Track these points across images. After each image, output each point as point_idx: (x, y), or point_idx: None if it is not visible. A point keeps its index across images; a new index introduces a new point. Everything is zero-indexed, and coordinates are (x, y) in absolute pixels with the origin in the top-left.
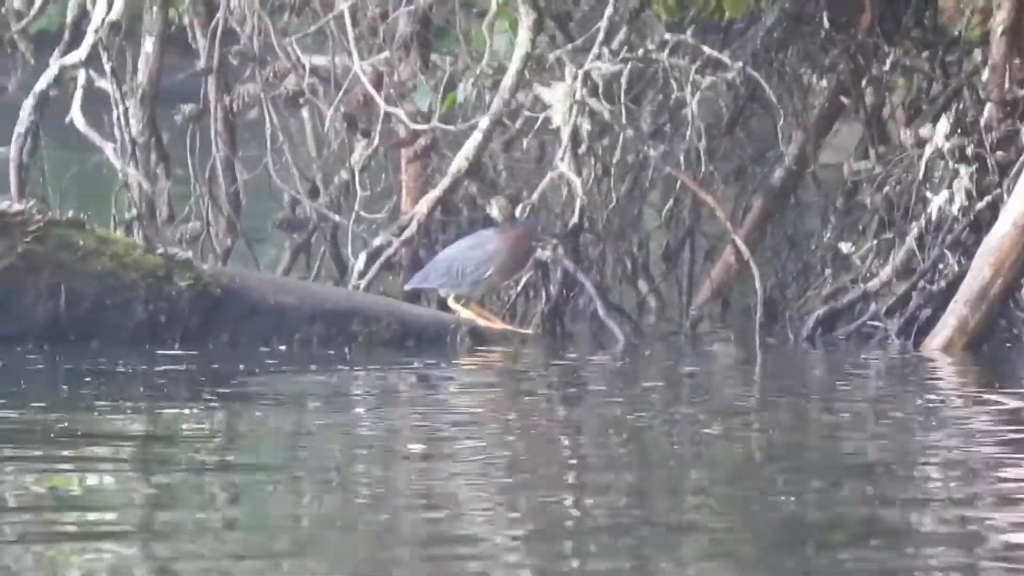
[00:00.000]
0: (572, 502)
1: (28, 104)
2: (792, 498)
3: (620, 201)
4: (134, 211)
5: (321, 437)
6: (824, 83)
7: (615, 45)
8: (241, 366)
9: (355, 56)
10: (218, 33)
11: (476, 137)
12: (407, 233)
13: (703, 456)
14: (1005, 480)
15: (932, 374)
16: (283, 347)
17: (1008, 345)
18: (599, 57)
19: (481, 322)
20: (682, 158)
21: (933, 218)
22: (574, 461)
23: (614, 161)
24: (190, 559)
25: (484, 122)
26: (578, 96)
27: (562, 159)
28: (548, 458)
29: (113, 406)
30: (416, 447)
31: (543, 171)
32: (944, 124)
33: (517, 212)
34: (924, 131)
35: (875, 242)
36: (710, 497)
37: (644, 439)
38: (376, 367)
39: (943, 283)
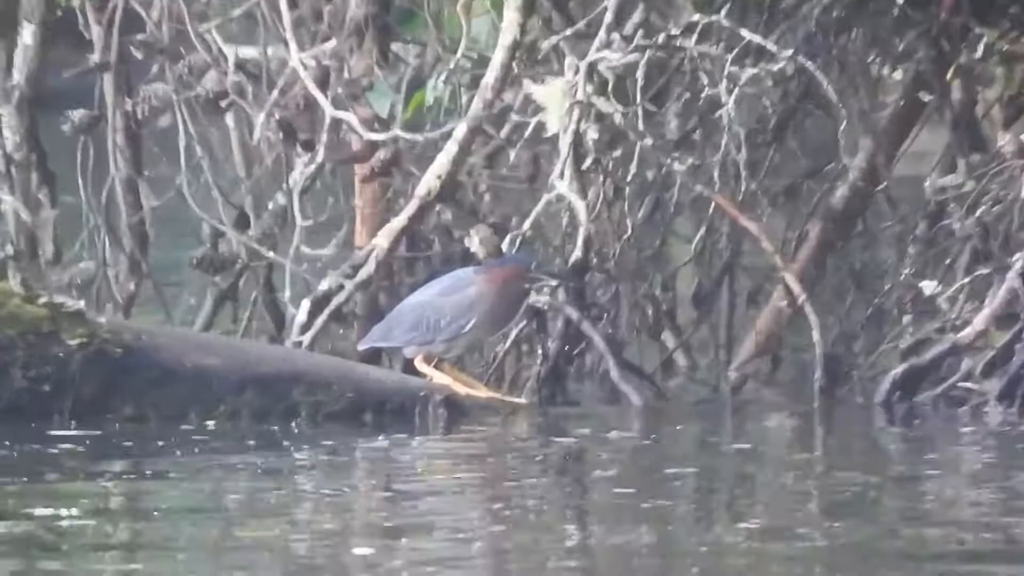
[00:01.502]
0: None
1: None
2: None
3: (637, 230)
4: (10, 248)
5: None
6: (898, 75)
7: (628, 29)
8: (150, 446)
9: (293, 47)
10: (116, 19)
11: (450, 149)
12: (362, 274)
13: None
14: None
15: None
16: (208, 422)
17: None
18: (607, 45)
19: (460, 389)
20: (716, 174)
21: None
22: None
23: (628, 179)
24: None
25: (460, 130)
26: (581, 95)
27: (561, 177)
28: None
29: None
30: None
31: (537, 193)
32: None
33: (504, 246)
34: None
35: (967, 280)
36: None
37: (666, 550)
38: (324, 445)
39: None
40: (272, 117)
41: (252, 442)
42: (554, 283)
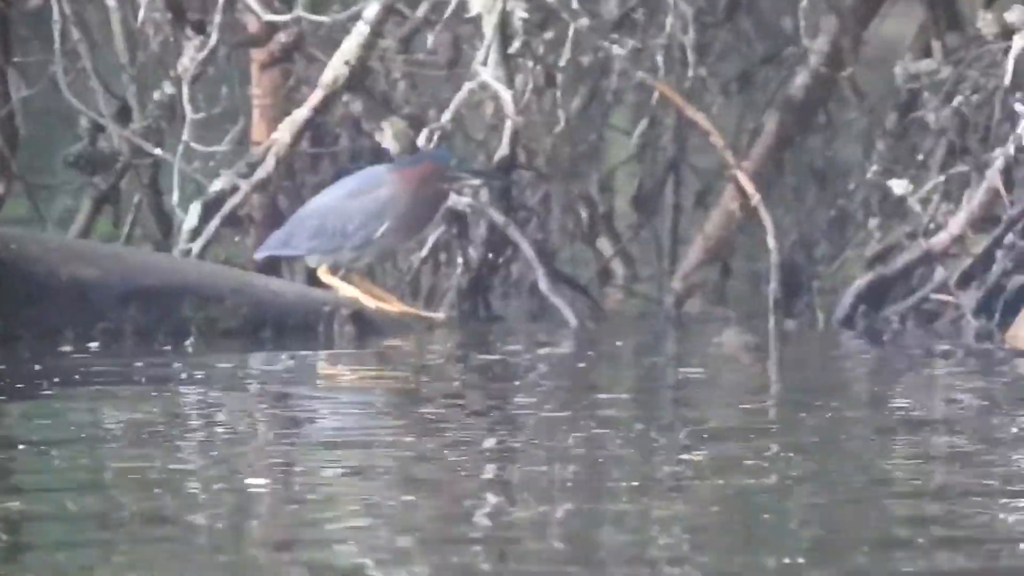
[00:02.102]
0: None
1: None
2: None
3: (570, 123)
4: None
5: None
6: None
7: None
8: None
9: None
10: None
11: (360, 31)
12: (260, 173)
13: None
14: None
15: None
16: (90, 342)
17: None
18: None
19: (370, 302)
20: (660, 59)
21: None
22: (486, 512)
23: (561, 64)
24: None
25: (371, 9)
26: None
27: (485, 62)
28: (452, 508)
29: None
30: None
31: (458, 80)
32: None
33: (420, 140)
34: (1012, 15)
35: (942, 178)
36: None
37: (588, 483)
38: (217, 366)
39: None
40: None
41: (138, 363)
42: (477, 183)
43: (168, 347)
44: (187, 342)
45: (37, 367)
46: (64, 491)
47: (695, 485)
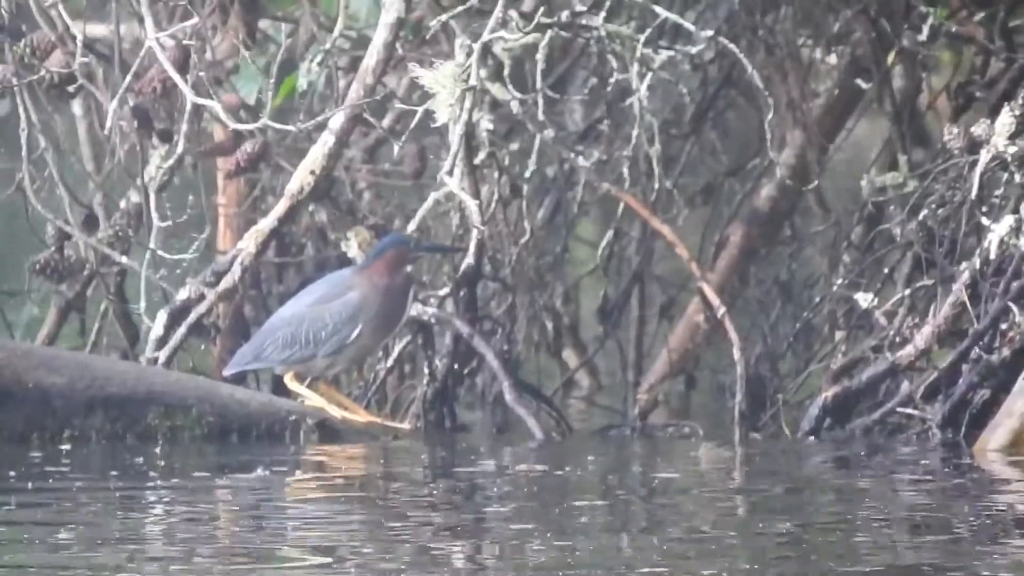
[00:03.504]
0: None
1: None
2: None
3: (536, 234)
4: None
5: None
6: (833, 59)
7: (527, 6)
8: None
9: (149, 24)
10: None
11: (326, 141)
12: (226, 282)
13: None
14: None
15: (995, 488)
16: (57, 446)
17: None
18: (504, 24)
19: (335, 412)
20: (626, 170)
21: (992, 256)
22: None
23: (527, 175)
24: None
25: (337, 119)
26: (474, 80)
27: (451, 172)
28: None
29: None
30: None
31: (424, 190)
32: (1007, 118)
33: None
34: (978, 129)
35: (907, 292)
36: None
37: None
38: (181, 474)
39: (1007, 351)
40: (125, 104)
41: (104, 471)
42: (439, 255)
43: (133, 454)
44: (157, 448)
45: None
46: None
47: None
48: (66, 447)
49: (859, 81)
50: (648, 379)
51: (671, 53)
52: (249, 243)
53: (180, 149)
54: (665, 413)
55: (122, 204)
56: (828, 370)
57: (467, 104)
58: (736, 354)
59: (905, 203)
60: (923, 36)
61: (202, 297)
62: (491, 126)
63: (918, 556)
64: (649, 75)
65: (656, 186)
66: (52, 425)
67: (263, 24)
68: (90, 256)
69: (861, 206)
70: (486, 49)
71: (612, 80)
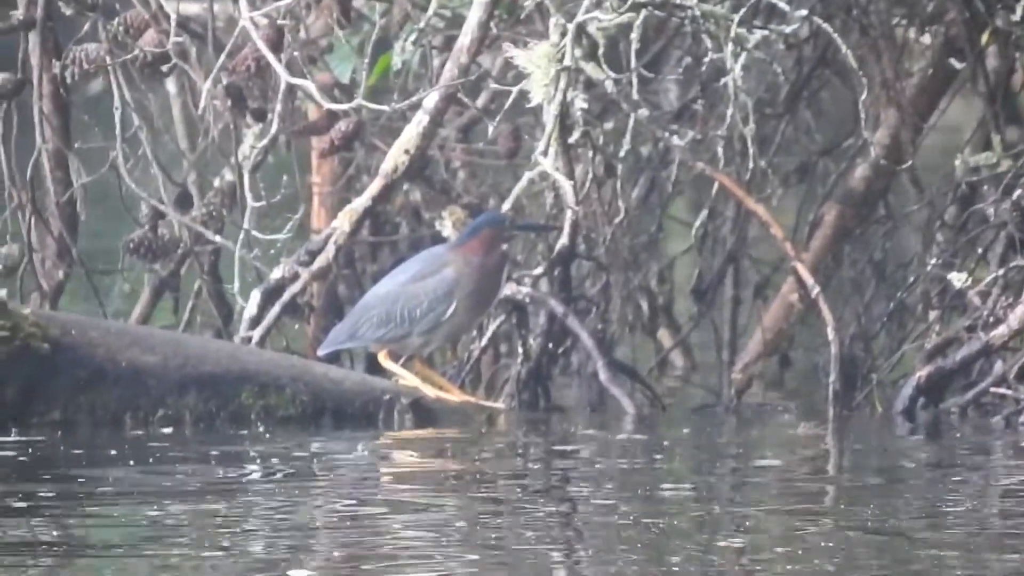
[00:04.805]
0: None
1: None
2: None
3: (630, 213)
4: None
5: None
6: (927, 39)
7: None
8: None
9: (243, 3)
10: None
11: (420, 121)
12: (320, 261)
13: None
14: None
15: None
16: (140, 430)
17: None
18: (598, 4)
19: (429, 391)
20: (721, 150)
21: None
22: None
23: (621, 155)
24: None
25: (431, 98)
26: (568, 60)
27: (545, 152)
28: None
29: None
30: None
31: (518, 170)
32: None
33: None
34: None
35: (1001, 272)
36: None
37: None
38: (278, 451)
39: None
40: (219, 83)
41: (196, 452)
42: (533, 234)
43: (229, 433)
44: (247, 430)
45: (91, 452)
46: None
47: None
48: (167, 429)
49: (953, 61)
50: (742, 359)
51: (765, 32)
52: (343, 222)
53: (274, 128)
54: (759, 393)
55: (216, 183)
56: (921, 350)
57: (561, 84)
58: (830, 334)
59: (999, 183)
60: (1017, 16)
61: (296, 276)
62: (585, 106)
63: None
64: (743, 55)
65: (750, 166)
66: (146, 405)
67: (357, 3)
68: (184, 235)
69: (955, 186)
70: (580, 29)
71: (706, 59)
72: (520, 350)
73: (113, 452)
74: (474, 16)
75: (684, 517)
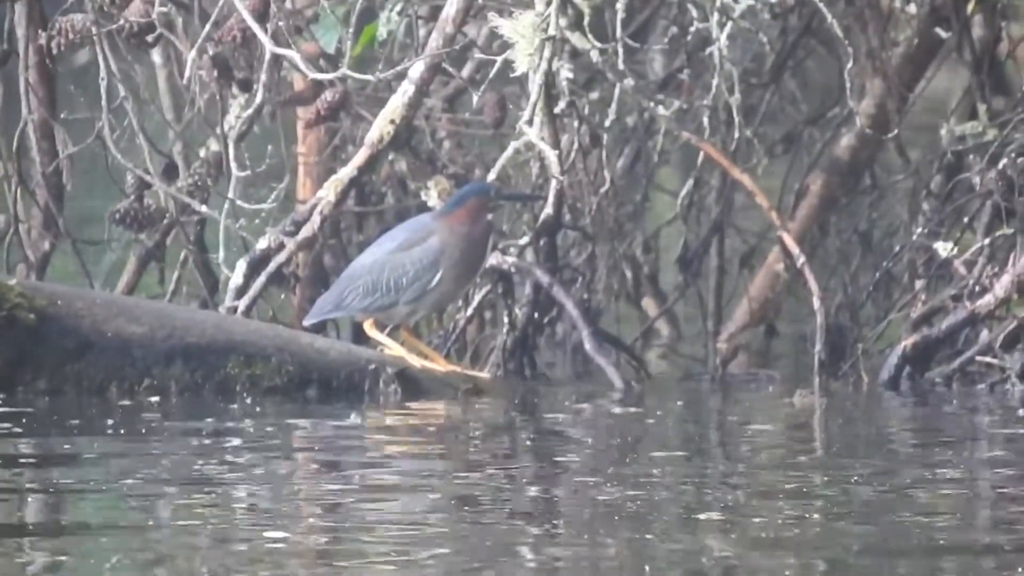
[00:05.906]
0: None
1: None
2: None
3: (616, 183)
4: None
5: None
6: (912, 8)
7: None
8: (66, 424)
9: None
10: None
11: (406, 91)
12: (306, 231)
13: None
14: None
15: None
16: (126, 400)
17: None
18: None
19: (414, 361)
20: (706, 119)
21: None
22: None
23: (607, 125)
24: None
25: (417, 68)
26: (553, 29)
27: (530, 122)
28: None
29: None
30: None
31: (503, 140)
32: None
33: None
34: None
35: (987, 241)
36: None
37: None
38: (261, 425)
39: None
40: (205, 53)
41: (180, 421)
42: (519, 203)
43: (212, 402)
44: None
45: (77, 421)
46: None
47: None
48: (155, 399)
49: (938, 30)
50: (728, 328)
51: (751, 2)
52: (329, 192)
53: (259, 98)
54: (745, 362)
55: (202, 153)
56: (907, 319)
57: (547, 53)
58: (816, 303)
59: (984, 152)
60: None
61: (282, 246)
62: (571, 75)
63: None
64: (729, 24)
65: (736, 135)
66: (132, 375)
67: None
68: (170, 205)
69: (941, 155)
70: None
71: (692, 29)
72: (506, 320)
73: (103, 421)
74: None
75: (670, 491)
